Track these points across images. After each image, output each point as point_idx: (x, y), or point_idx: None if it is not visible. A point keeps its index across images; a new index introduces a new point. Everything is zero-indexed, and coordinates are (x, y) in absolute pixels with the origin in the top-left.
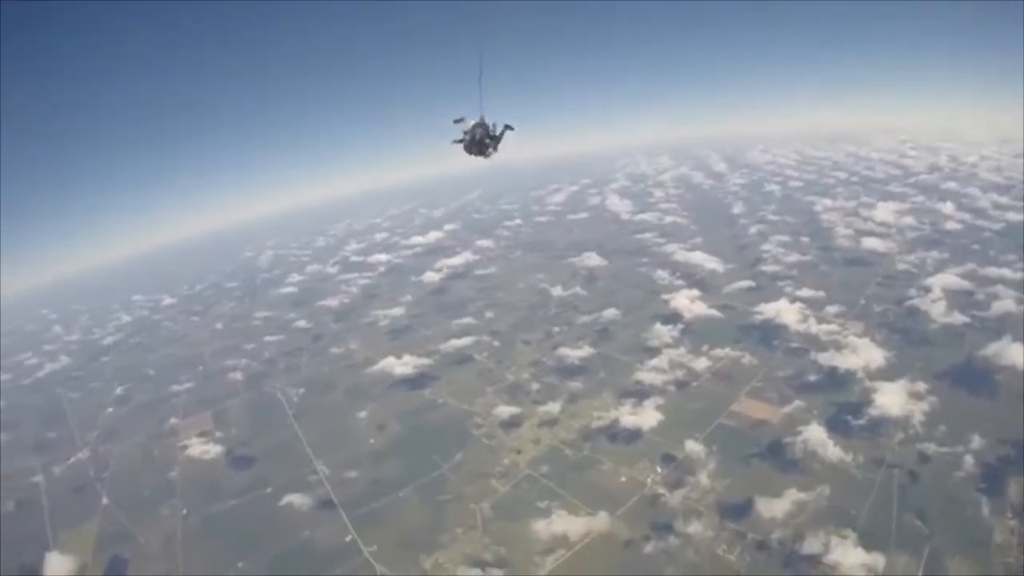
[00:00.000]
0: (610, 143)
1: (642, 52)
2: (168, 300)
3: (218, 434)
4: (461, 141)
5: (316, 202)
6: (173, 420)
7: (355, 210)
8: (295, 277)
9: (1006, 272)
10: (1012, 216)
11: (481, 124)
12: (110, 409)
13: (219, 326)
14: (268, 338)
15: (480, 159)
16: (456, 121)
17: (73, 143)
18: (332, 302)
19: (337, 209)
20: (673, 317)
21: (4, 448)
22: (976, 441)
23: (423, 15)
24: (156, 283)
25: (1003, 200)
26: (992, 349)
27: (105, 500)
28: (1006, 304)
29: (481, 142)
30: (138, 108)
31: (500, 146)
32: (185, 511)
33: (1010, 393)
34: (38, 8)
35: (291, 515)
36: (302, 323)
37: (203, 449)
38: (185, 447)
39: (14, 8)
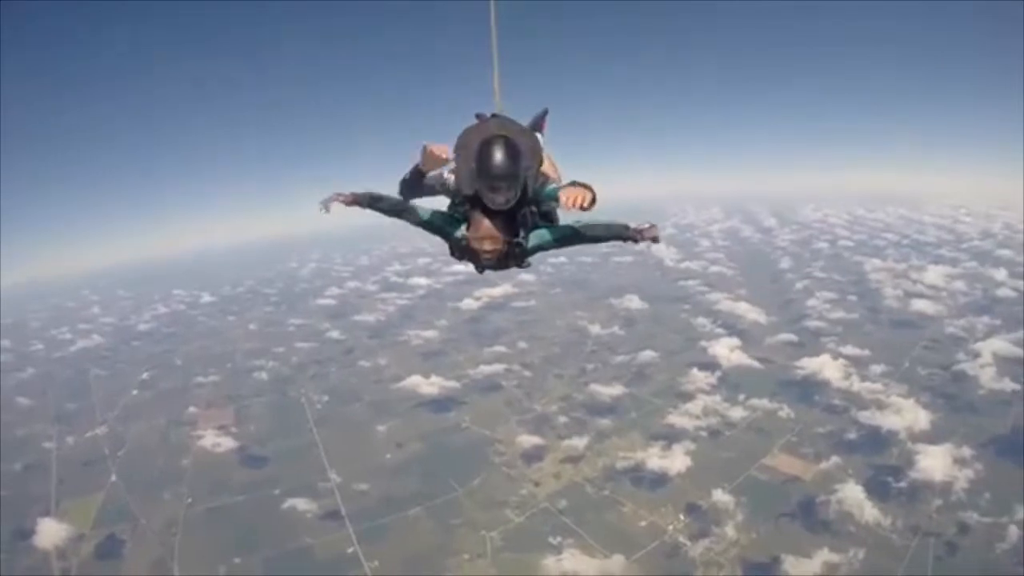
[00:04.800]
0: (662, 189)
1: (699, 100)
2: (207, 297)
3: (235, 430)
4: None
5: (365, 222)
6: (193, 409)
7: (401, 233)
8: (334, 290)
9: None
10: None
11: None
12: (134, 391)
13: (253, 327)
14: (299, 344)
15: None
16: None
17: (143, 137)
18: (368, 318)
19: (384, 231)
20: (711, 364)
21: (24, 413)
22: (1022, 512)
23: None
24: (198, 280)
25: None
26: None
27: (114, 477)
28: None
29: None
30: (208, 112)
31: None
32: (190, 499)
33: None
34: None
35: (295, 519)
36: (335, 334)
37: (217, 442)
38: (200, 437)
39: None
